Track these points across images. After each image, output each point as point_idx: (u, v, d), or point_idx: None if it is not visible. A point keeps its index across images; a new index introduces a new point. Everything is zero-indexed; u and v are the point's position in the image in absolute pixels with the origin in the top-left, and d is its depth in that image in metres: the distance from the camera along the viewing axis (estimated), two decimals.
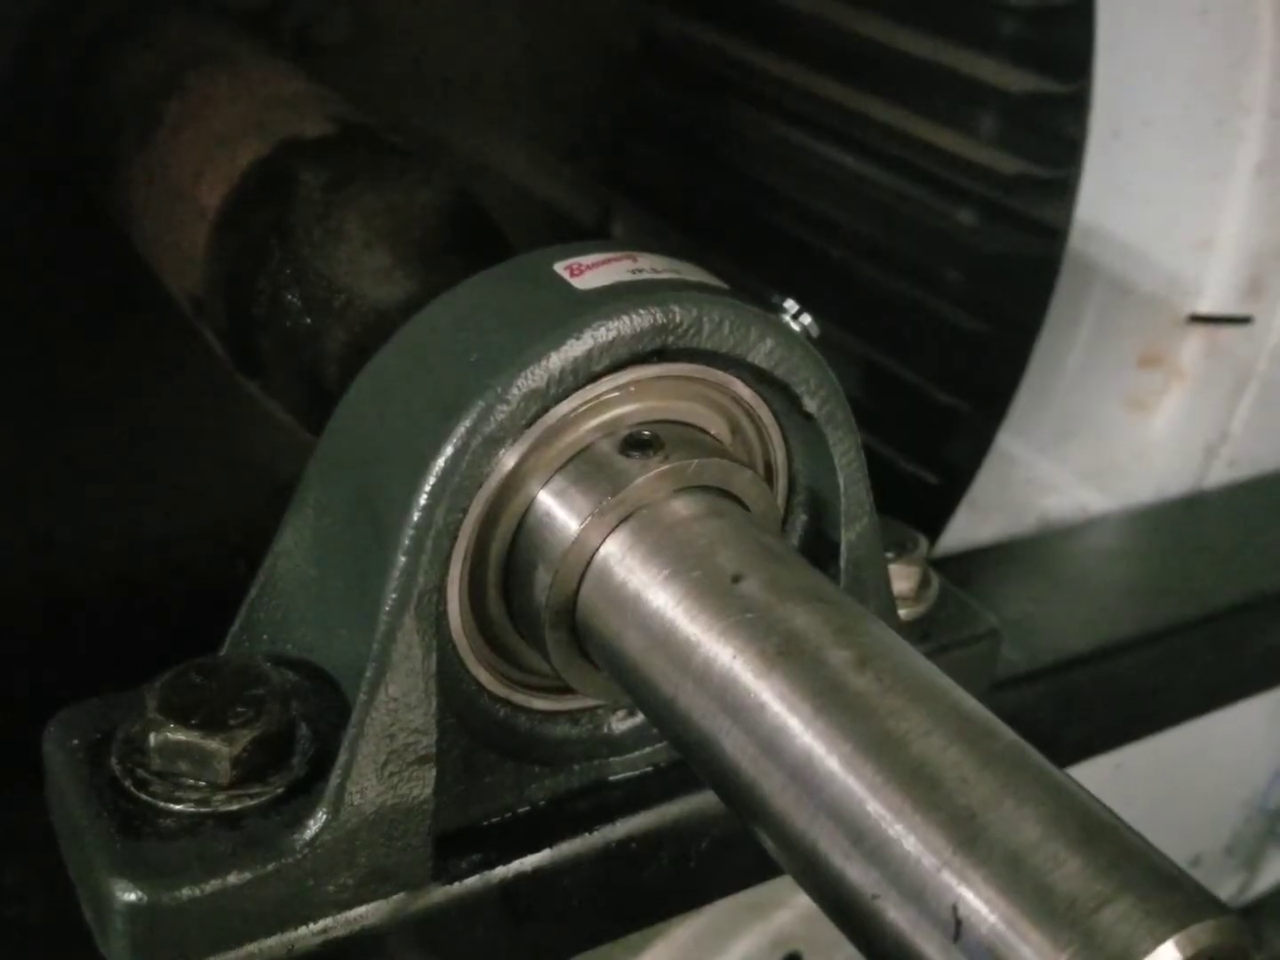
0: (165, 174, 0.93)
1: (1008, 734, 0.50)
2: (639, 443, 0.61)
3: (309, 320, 0.81)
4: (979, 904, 0.44)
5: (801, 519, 0.70)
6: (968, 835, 0.45)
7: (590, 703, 0.68)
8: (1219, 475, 1.18)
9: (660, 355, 0.61)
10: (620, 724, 0.69)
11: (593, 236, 1.51)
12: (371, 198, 0.83)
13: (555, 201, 1.46)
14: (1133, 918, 0.42)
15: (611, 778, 0.69)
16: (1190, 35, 1.06)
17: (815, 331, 0.70)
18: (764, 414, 0.67)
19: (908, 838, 0.46)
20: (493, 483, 0.60)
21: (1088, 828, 0.45)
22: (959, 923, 0.45)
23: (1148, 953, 0.41)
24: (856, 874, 0.48)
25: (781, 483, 0.69)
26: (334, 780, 0.59)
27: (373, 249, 0.80)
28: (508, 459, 0.60)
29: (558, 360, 0.58)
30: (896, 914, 0.47)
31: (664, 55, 1.48)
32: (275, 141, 0.88)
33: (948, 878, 0.45)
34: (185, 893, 0.56)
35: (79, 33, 1.04)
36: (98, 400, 1.13)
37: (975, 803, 0.46)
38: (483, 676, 0.65)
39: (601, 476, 0.61)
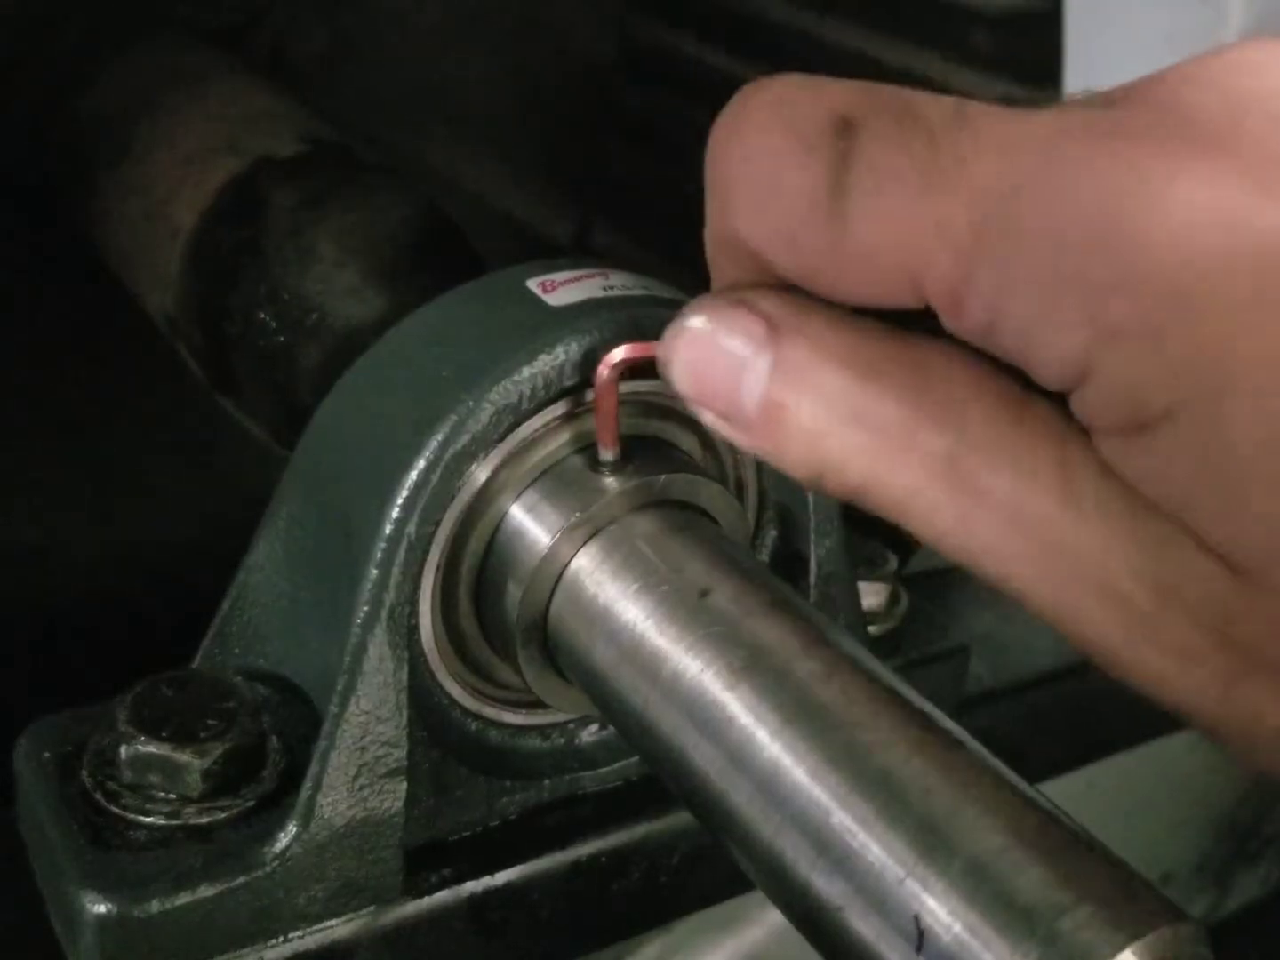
0: (138, 193, 0.93)
1: (972, 745, 0.50)
2: (609, 458, 0.62)
3: (282, 338, 0.82)
4: (941, 913, 0.45)
5: (771, 534, 0.71)
6: (930, 845, 0.46)
7: (561, 717, 0.68)
8: None
9: (631, 371, 0.62)
10: (591, 739, 0.69)
11: (568, 254, 1.51)
12: (344, 216, 0.84)
13: (530, 219, 1.46)
14: (1093, 925, 0.43)
15: (582, 792, 0.70)
16: (1157, 61, 1.07)
17: None
18: None
19: (872, 848, 0.47)
20: (465, 497, 0.61)
21: (1049, 837, 0.46)
22: (922, 933, 0.45)
23: (1107, 959, 0.42)
24: (822, 885, 0.48)
25: (751, 498, 0.70)
26: (304, 793, 0.59)
27: (345, 267, 0.81)
28: (480, 473, 0.60)
29: (530, 374, 0.59)
30: (861, 925, 0.47)
31: (642, 66, 1.48)
32: (248, 161, 0.89)
33: (911, 887, 0.45)
34: (155, 905, 0.56)
35: (51, 52, 1.04)
36: (72, 415, 1.13)
37: (938, 813, 0.47)
38: (454, 690, 0.65)
39: (572, 491, 0.61)
